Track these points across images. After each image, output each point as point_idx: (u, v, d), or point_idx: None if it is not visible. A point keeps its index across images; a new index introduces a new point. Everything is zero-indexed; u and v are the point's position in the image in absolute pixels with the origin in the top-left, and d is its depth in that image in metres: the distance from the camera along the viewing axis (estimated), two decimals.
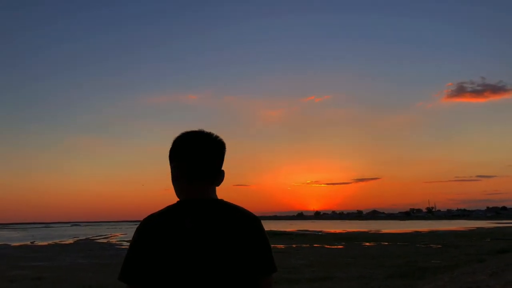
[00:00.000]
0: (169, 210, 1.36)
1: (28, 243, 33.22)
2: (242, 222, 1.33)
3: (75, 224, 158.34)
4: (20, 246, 29.20)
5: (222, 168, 1.48)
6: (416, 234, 36.94)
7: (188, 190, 1.40)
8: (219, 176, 1.45)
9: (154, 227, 1.32)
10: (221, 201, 1.40)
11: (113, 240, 35.06)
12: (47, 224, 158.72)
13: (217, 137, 1.46)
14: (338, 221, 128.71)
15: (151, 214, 1.37)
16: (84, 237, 41.84)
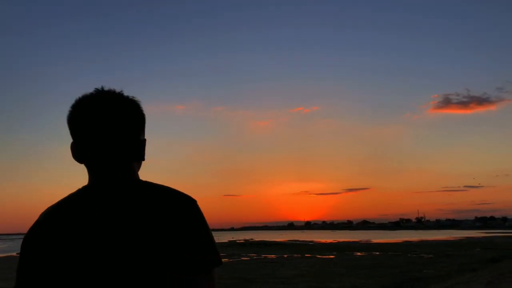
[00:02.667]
0: (71, 200, 1.01)
1: (15, 254, 32.54)
2: (172, 205, 0.99)
3: None
4: (6, 257, 28.55)
5: (145, 137, 1.12)
6: (407, 244, 36.93)
7: (97, 171, 1.04)
8: (137, 148, 1.07)
9: (51, 225, 0.96)
10: (144, 182, 1.05)
11: None
12: None
13: (126, 96, 1.08)
14: (329, 231, 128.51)
15: (48, 208, 1.01)
16: None
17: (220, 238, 66.92)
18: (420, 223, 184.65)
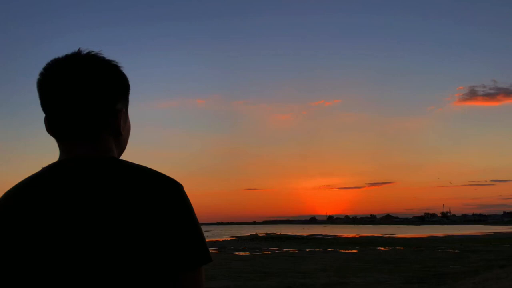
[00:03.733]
0: (31, 181, 0.85)
1: None
2: (152, 190, 0.81)
3: None
4: None
5: (125, 109, 0.94)
6: (432, 239, 36.28)
7: (64, 146, 0.89)
8: (110, 119, 0.90)
9: (9, 208, 0.82)
10: (120, 161, 0.88)
11: None
12: None
13: (103, 57, 0.91)
14: (351, 226, 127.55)
15: (10, 189, 0.86)
16: None
17: (241, 231, 67.28)
18: (446, 218, 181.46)
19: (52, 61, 0.90)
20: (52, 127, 0.90)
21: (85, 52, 0.90)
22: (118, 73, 0.93)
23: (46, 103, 0.89)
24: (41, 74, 0.90)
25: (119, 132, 0.92)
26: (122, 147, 0.97)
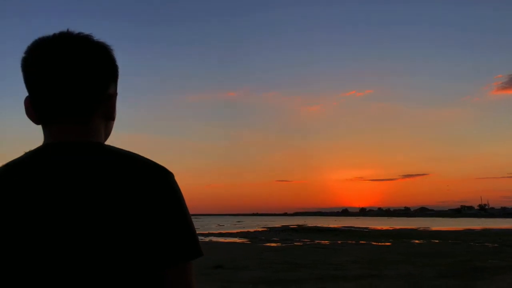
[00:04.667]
0: (14, 166, 0.79)
1: None
2: (141, 178, 0.76)
3: None
4: None
5: (116, 92, 0.91)
6: (469, 232, 35.22)
7: (50, 130, 0.83)
8: (103, 103, 0.86)
9: None
10: (108, 147, 0.83)
11: None
12: None
13: (94, 39, 0.86)
14: (385, 218, 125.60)
15: None
16: None
17: (273, 223, 67.48)
18: (483, 211, 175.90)
19: (39, 39, 0.84)
20: (37, 108, 0.83)
21: (77, 33, 0.86)
22: (111, 56, 0.89)
23: (32, 82, 0.83)
24: (28, 52, 0.84)
25: (111, 116, 0.90)
26: (109, 132, 0.93)
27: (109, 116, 0.89)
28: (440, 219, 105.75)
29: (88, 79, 0.83)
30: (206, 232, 37.10)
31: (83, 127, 0.84)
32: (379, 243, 22.71)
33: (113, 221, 0.73)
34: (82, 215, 0.73)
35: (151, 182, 0.77)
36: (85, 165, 0.78)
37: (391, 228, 44.40)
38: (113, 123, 0.93)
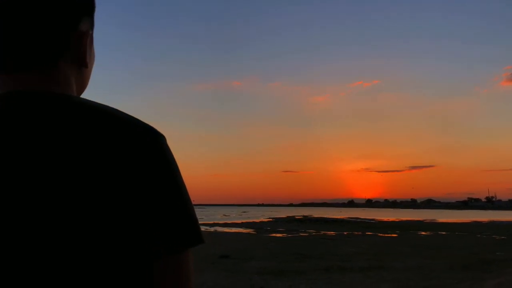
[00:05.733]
0: None
1: None
2: (121, 139, 0.57)
3: None
4: None
5: (83, 30, 0.68)
6: (476, 224, 35.08)
7: (9, 79, 0.64)
8: (75, 43, 0.66)
9: None
10: (81, 99, 0.63)
11: None
12: None
13: None
14: (391, 210, 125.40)
15: None
16: None
17: (278, 213, 67.56)
18: (491, 203, 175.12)
19: None
20: None
21: None
22: None
23: None
24: None
25: (83, 62, 0.68)
26: (83, 83, 0.72)
27: (81, 61, 0.68)
28: (447, 211, 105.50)
29: (48, 10, 0.63)
30: (211, 222, 37.12)
31: (47, 73, 0.64)
32: (386, 235, 22.61)
33: (83, 194, 0.53)
34: (45, 186, 0.53)
35: (135, 146, 0.57)
36: (48, 121, 0.57)
37: (398, 220, 44.28)
38: (89, 72, 0.73)
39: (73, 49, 0.66)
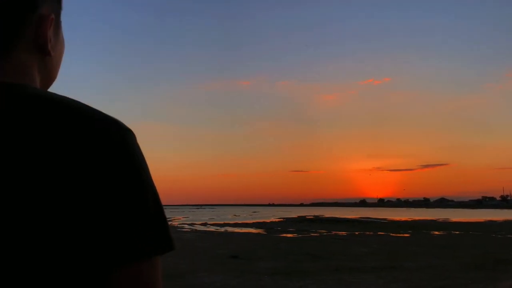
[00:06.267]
0: None
1: None
2: (80, 134, 0.50)
3: None
4: None
5: (44, 13, 0.61)
6: (491, 224, 34.55)
7: None
8: (33, 29, 0.60)
9: None
10: (33, 90, 0.56)
11: (175, 223, 36.06)
12: None
13: None
14: (403, 209, 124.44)
15: None
16: None
17: (289, 213, 67.39)
18: (506, 202, 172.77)
19: None
20: None
21: None
22: None
23: None
24: None
25: (44, 49, 0.61)
26: (50, 73, 0.65)
27: (43, 49, 0.61)
28: (460, 210, 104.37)
29: None
30: (222, 222, 37.20)
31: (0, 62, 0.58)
32: (398, 234, 22.36)
33: (33, 192, 0.47)
34: None
35: (93, 141, 0.50)
36: None
37: (410, 219, 43.85)
38: (56, 61, 0.66)
39: (31, 35, 0.59)
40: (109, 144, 0.51)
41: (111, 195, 0.49)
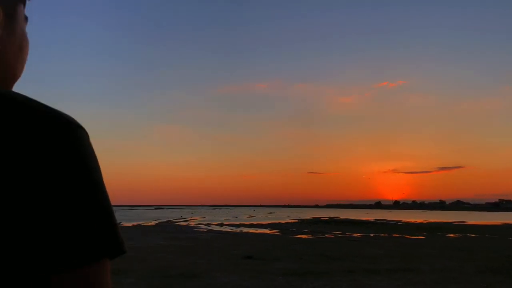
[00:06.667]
0: None
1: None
2: (23, 130, 0.46)
3: (159, 207, 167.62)
4: None
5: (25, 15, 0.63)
6: (508, 227, 34.00)
7: None
8: None
9: None
10: None
11: (192, 223, 36.37)
12: (132, 207, 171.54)
13: None
14: (419, 211, 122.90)
15: None
16: (165, 220, 43.86)
17: (304, 214, 67.21)
18: None
19: None
20: None
21: None
22: None
23: None
24: None
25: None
26: (4, 70, 0.60)
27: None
28: (477, 212, 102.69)
29: None
30: (238, 223, 37.39)
31: None
32: (413, 237, 22.20)
33: None
34: None
35: (38, 138, 0.46)
36: None
37: (425, 222, 43.39)
38: (9, 57, 0.61)
39: None
40: (58, 142, 0.47)
41: (58, 195, 0.45)
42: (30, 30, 0.64)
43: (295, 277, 9.07)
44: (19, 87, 0.59)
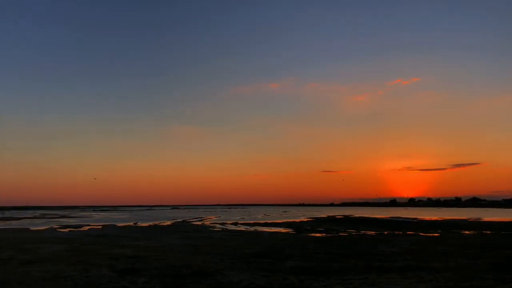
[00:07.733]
0: None
1: (131, 224, 35.99)
2: None
3: (175, 207, 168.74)
4: (124, 226, 31.74)
5: None
6: None
7: None
8: None
9: None
10: None
11: (207, 223, 36.67)
12: (150, 207, 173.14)
13: None
14: (434, 209, 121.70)
15: None
16: (181, 219, 44.26)
17: (319, 213, 67.15)
18: None
19: None
20: None
21: None
22: None
23: None
24: None
25: None
26: None
27: None
28: (493, 209, 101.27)
29: None
30: (252, 221, 37.57)
31: None
32: (427, 234, 22.13)
33: None
34: None
35: None
36: None
37: (440, 219, 43.05)
38: None
39: None
40: None
41: None
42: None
43: (307, 275, 9.18)
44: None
